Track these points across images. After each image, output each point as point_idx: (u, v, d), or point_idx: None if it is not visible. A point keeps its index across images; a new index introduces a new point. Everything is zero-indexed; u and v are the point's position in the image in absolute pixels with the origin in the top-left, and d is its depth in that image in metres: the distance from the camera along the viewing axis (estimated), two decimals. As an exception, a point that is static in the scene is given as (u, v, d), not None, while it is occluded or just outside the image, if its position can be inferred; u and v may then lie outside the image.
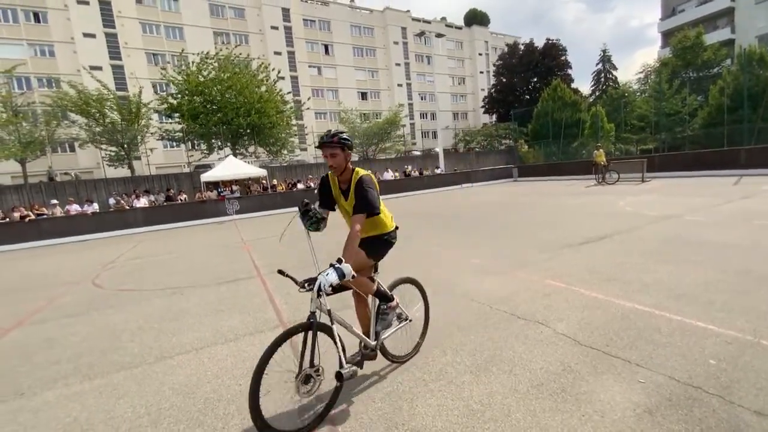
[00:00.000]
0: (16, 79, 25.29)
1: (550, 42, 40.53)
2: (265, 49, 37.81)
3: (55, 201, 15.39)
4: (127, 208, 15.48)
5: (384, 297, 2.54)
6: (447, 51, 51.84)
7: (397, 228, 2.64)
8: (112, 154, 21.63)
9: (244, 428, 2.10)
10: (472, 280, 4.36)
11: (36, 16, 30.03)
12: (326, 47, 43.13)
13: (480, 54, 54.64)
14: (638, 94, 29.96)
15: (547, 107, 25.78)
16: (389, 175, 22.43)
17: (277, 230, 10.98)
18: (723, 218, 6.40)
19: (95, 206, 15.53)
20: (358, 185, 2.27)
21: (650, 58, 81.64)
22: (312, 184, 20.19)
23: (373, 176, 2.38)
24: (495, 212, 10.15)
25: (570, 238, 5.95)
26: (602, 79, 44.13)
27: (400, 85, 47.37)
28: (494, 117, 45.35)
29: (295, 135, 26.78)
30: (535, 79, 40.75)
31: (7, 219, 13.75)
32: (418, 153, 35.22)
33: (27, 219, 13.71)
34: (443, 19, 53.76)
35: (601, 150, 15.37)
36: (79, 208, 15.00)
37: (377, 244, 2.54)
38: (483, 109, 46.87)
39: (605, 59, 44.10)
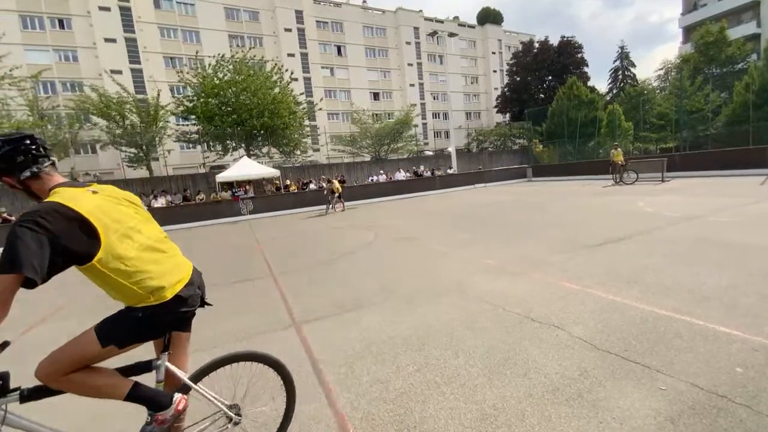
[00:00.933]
0: (42, 84, 26.24)
1: (565, 39, 39.81)
2: (279, 51, 38.26)
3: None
4: (146, 207, 15.87)
5: (150, 402, 1.55)
6: (460, 50, 51.47)
7: (182, 299, 1.56)
8: (132, 155, 22.23)
9: (256, 426, 2.11)
10: (485, 281, 4.31)
11: (61, 22, 31.10)
12: (339, 48, 43.38)
13: (493, 53, 54.08)
14: (658, 91, 29.15)
15: (563, 106, 25.33)
16: (401, 175, 22.41)
17: (290, 230, 11.10)
18: (749, 219, 6.15)
19: (115, 206, 15.97)
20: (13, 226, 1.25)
21: (671, 54, 79.31)
22: (324, 185, 20.33)
23: (68, 203, 1.31)
24: (509, 212, 10.02)
25: (587, 239, 5.82)
26: (620, 77, 43.10)
27: (412, 85, 47.28)
28: (508, 116, 44.78)
29: (308, 136, 27.03)
30: (550, 78, 40.09)
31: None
32: (430, 153, 35.09)
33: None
34: (456, 18, 53.40)
35: (618, 149, 15.00)
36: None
37: (120, 323, 1.53)
38: (496, 109, 46.37)
39: (623, 56, 43.06)
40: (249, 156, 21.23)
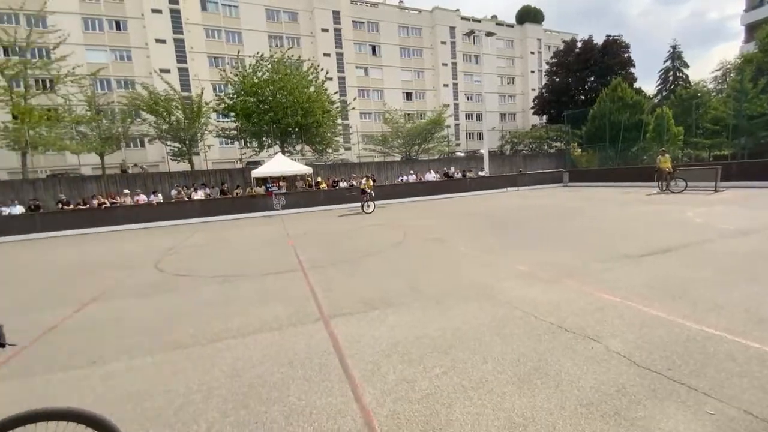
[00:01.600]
0: (99, 81, 28.32)
1: (611, 38, 37.82)
2: (315, 51, 39.06)
3: (126, 191, 17.04)
4: (186, 199, 16.74)
5: None
6: (497, 50, 50.28)
7: None
8: (175, 149, 23.50)
9: (285, 414, 2.17)
10: (517, 287, 4.19)
11: (117, 24, 33.40)
12: (373, 48, 43.66)
13: (532, 52, 52.38)
14: (714, 94, 27.05)
15: (605, 108, 24.08)
16: (431, 176, 22.21)
17: (321, 226, 11.31)
18: (817, 236, 5.59)
19: (159, 197, 16.97)
20: None
21: (730, 54, 73.44)
22: (354, 183, 20.53)
23: None
24: (544, 217, 9.68)
25: (629, 248, 5.51)
26: (670, 78, 40.46)
27: (446, 86, 46.75)
28: (544, 118, 43.22)
29: (340, 134, 27.45)
30: (593, 79, 38.25)
31: (87, 205, 15.44)
32: (462, 154, 34.55)
33: (103, 206, 15.30)
34: (494, 17, 52.22)
35: (666, 155, 14.07)
36: (146, 198, 16.48)
37: None
38: (533, 110, 44.92)
39: (675, 56, 40.38)
40: (283, 153, 21.84)
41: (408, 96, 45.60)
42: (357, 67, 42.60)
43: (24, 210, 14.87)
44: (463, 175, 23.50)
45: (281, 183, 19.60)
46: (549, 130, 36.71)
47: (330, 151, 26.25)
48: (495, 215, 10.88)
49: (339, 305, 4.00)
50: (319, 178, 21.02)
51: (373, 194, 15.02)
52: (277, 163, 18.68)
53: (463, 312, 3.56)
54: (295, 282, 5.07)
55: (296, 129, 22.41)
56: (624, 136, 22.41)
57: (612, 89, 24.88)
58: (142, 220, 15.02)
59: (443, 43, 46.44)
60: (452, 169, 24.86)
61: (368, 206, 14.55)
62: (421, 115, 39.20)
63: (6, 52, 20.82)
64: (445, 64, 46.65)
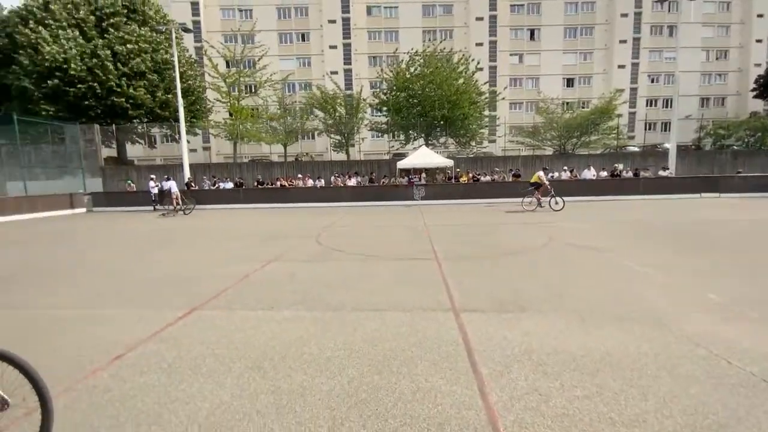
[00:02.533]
0: (287, 85, 34.97)
1: None
2: (468, 42, 38.42)
3: (300, 175, 20.72)
4: (341, 185, 19.22)
5: None
6: (703, 16, 39.02)
7: None
8: (337, 141, 27.14)
9: (412, 390, 2.32)
10: (701, 319, 3.29)
11: (301, 36, 40.34)
12: (532, 32, 40.03)
13: (760, 15, 38.57)
14: None
15: None
16: (590, 173, 19.15)
17: (457, 219, 11.31)
18: None
19: (322, 182, 20.01)
20: None
21: None
22: (496, 177, 19.58)
23: None
24: (755, 235, 7.21)
25: None
26: None
27: (621, 67, 39.24)
28: (775, 102, 31.51)
29: (486, 126, 26.47)
30: None
31: (273, 185, 19.51)
32: (635, 149, 28.54)
33: (283, 187, 19.05)
34: (704, -28, 40.42)
35: None
36: (312, 183, 19.68)
37: None
38: (754, 93, 33.38)
39: None
40: (427, 145, 22.54)
41: (569, 82, 40.30)
42: (511, 55, 39.99)
43: (232, 185, 19.87)
44: (636, 175, 19.50)
45: (423, 174, 20.33)
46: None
47: (473, 144, 25.68)
48: (677, 226, 8.70)
49: (470, 300, 3.96)
50: (458, 170, 20.89)
51: (549, 189, 12.84)
52: (420, 156, 19.44)
53: (618, 335, 3.03)
54: (429, 270, 5.24)
55: (442, 122, 22.75)
56: None
57: None
58: (308, 200, 18.02)
59: (623, 15, 38.93)
60: (620, 167, 20.87)
61: (556, 203, 12.52)
62: (583, 104, 34.12)
63: (228, 64, 27.85)
64: (623, 41, 39.11)
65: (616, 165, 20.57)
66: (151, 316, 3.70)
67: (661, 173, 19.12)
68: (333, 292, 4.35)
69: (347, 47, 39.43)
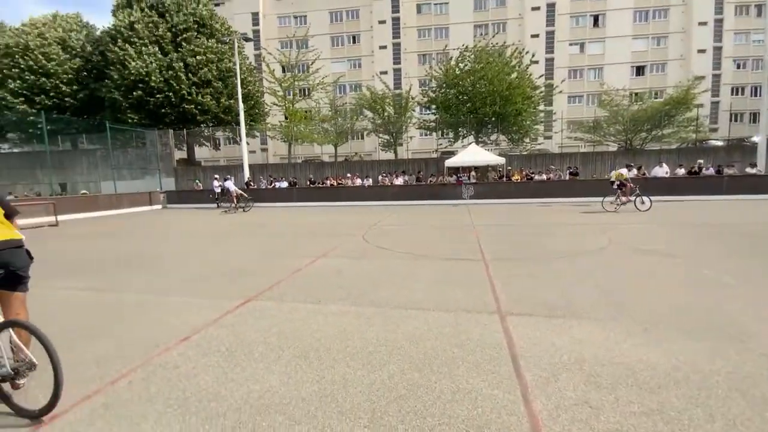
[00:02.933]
0: (338, 87, 36.02)
1: None
2: (522, 34, 36.68)
3: (348, 175, 21.26)
4: (388, 184, 19.39)
5: None
6: (812, -15, 33.36)
7: None
8: (385, 140, 27.41)
9: (452, 390, 2.31)
10: (795, 338, 2.86)
11: (352, 38, 41.24)
12: (595, 18, 37.12)
13: None
14: None
15: None
16: (662, 170, 17.28)
17: (506, 219, 10.88)
18: None
19: (369, 181, 20.34)
20: None
21: None
22: (552, 176, 18.48)
23: None
24: None
25: None
26: None
27: (701, 51, 34.98)
28: None
29: (541, 122, 25.11)
30: None
31: (323, 185, 20.23)
32: (718, 143, 25.27)
33: (332, 186, 19.68)
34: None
35: None
36: (360, 182, 20.09)
37: None
38: None
39: None
40: (477, 143, 21.93)
41: (639, 71, 36.84)
42: (570, 44, 37.48)
43: (287, 185, 20.91)
44: (718, 172, 17.29)
45: (472, 173, 19.83)
46: None
47: (527, 140, 24.48)
48: (770, 231, 7.59)
49: (517, 303, 3.82)
50: (510, 168, 20.07)
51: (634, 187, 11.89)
52: (470, 153, 18.97)
53: (686, 349, 2.74)
54: (475, 271, 5.13)
55: (493, 118, 22.00)
56: None
57: None
58: (356, 198, 18.43)
59: (705, -7, 34.65)
60: (699, 163, 18.62)
61: (642, 202, 11.51)
62: (656, 94, 31.00)
63: (283, 69, 29.32)
64: (702, 23, 34.87)
65: (700, 161, 18.32)
66: (213, 304, 4.06)
67: (749, 170, 16.71)
68: (377, 289, 4.43)
69: (397, 46, 39.60)
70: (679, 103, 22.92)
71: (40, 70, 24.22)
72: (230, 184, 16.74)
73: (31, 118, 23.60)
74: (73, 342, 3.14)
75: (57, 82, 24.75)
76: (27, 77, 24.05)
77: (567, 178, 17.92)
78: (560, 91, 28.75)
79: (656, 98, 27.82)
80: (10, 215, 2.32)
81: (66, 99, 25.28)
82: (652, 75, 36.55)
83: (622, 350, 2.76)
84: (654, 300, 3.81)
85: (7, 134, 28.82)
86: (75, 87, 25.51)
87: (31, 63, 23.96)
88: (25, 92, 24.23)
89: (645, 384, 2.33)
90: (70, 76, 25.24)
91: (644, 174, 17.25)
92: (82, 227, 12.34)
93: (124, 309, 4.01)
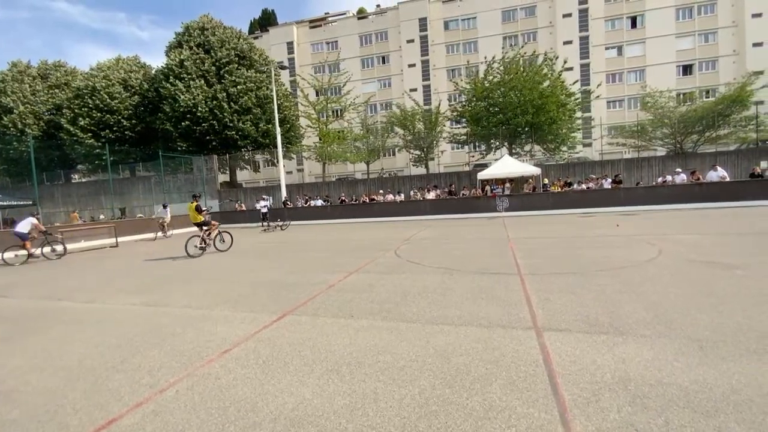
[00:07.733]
0: (369, 107, 36.97)
1: None
2: (554, 42, 35.98)
3: (380, 191, 21.53)
4: (420, 199, 19.38)
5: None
6: None
7: None
8: (416, 156, 27.56)
9: (485, 407, 2.25)
10: None
11: (382, 59, 42.41)
12: (633, 20, 35.68)
13: None
14: None
15: None
16: (716, 175, 15.88)
17: (544, 232, 10.47)
18: None
19: (402, 196, 20.45)
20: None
21: None
22: (592, 185, 17.61)
23: None
24: None
25: None
26: None
27: (757, 45, 32.37)
28: None
29: (578, 129, 24.17)
30: None
31: (357, 201, 20.60)
32: (785, 143, 22.92)
33: (365, 202, 19.99)
34: None
35: None
36: (392, 197, 20.25)
37: None
38: None
39: None
40: (511, 154, 21.47)
41: (686, 70, 34.74)
42: (607, 48, 36.21)
43: (322, 202, 21.51)
44: (785, 174, 15.65)
45: (506, 185, 19.37)
46: None
47: (564, 149, 23.60)
48: None
49: (556, 318, 3.66)
50: (546, 180, 19.37)
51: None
52: (503, 165, 18.59)
53: (748, 370, 2.49)
54: (511, 285, 4.98)
55: (526, 128, 21.51)
56: None
57: None
58: (388, 214, 18.57)
59: (757, -17, 32.31)
60: (763, 165, 16.99)
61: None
62: (706, 93, 28.95)
63: (317, 93, 30.59)
64: (757, 15, 32.45)
65: (763, 163, 16.69)
66: (253, 318, 4.25)
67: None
68: (408, 304, 4.43)
69: (425, 63, 40.20)
70: (734, 101, 21.19)
71: (105, 108, 27.06)
72: (265, 204, 17.61)
73: (97, 150, 26.32)
74: (136, 350, 3.41)
75: (119, 117, 27.50)
76: (94, 115, 26.94)
77: (609, 186, 16.97)
78: (598, 96, 27.64)
79: (707, 97, 25.91)
80: None
81: (126, 132, 27.96)
82: (701, 73, 34.26)
83: (673, 370, 2.56)
84: (712, 315, 3.50)
85: (77, 166, 32.35)
86: (134, 121, 28.19)
87: (98, 102, 26.86)
88: (92, 128, 27.10)
89: (699, 407, 2.14)
90: (129, 111, 27.96)
91: (699, 178, 15.95)
92: (138, 247, 13.40)
93: (174, 322, 4.30)
